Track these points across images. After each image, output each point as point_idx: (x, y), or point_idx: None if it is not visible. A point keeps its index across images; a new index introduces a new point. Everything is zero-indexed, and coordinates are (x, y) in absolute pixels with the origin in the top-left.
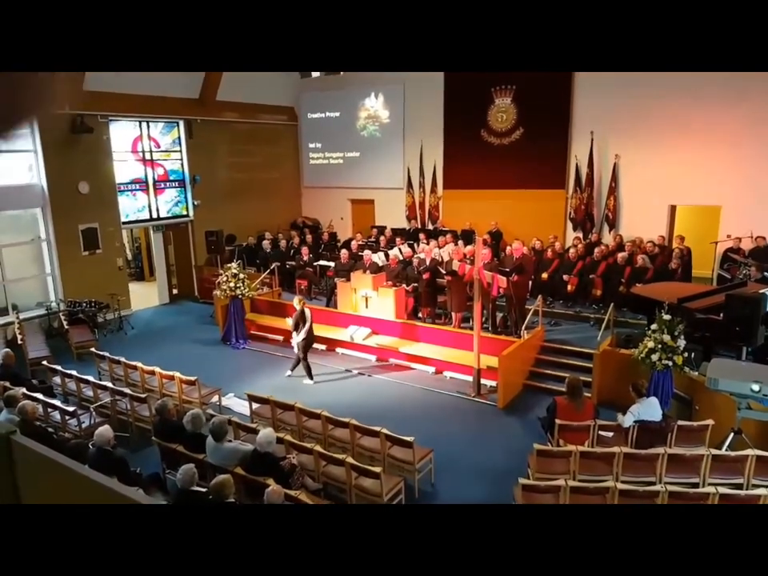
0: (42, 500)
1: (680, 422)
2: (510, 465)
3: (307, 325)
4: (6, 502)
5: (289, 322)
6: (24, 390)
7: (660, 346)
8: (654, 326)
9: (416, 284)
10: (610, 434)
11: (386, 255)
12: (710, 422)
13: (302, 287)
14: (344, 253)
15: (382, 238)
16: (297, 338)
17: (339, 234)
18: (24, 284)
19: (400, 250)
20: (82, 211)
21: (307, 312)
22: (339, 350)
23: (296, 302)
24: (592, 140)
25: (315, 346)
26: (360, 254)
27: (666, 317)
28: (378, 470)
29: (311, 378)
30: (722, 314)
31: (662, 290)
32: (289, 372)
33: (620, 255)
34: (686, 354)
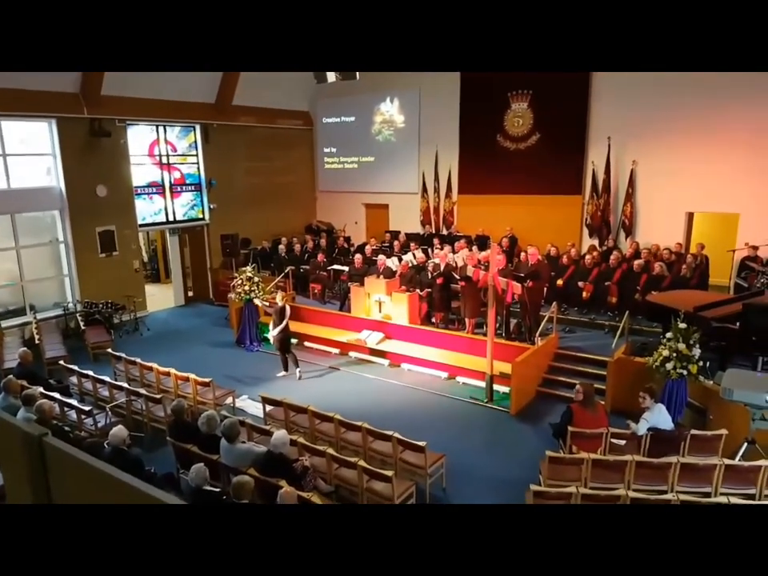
0: (72, 500)
1: (693, 431)
2: (521, 471)
3: (284, 322)
4: (39, 501)
5: (258, 302)
6: (41, 389)
7: (675, 354)
8: (669, 335)
9: (429, 289)
10: (623, 442)
11: (400, 260)
12: (724, 431)
13: (316, 291)
14: (358, 257)
15: (396, 242)
16: (273, 332)
17: (353, 238)
18: (42, 285)
19: (414, 255)
20: (100, 214)
21: (287, 309)
22: (352, 353)
23: (279, 297)
24: (609, 146)
25: (328, 349)
26: (374, 258)
27: (682, 325)
28: (389, 473)
29: (297, 366)
30: (738, 323)
31: (678, 298)
32: (282, 373)
33: (636, 262)
34: (700, 363)
